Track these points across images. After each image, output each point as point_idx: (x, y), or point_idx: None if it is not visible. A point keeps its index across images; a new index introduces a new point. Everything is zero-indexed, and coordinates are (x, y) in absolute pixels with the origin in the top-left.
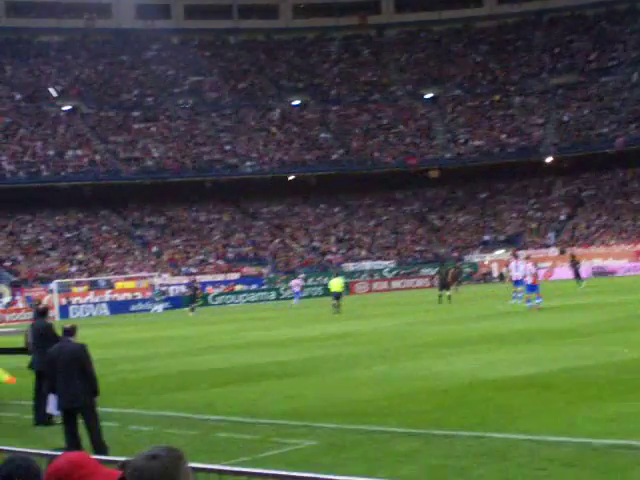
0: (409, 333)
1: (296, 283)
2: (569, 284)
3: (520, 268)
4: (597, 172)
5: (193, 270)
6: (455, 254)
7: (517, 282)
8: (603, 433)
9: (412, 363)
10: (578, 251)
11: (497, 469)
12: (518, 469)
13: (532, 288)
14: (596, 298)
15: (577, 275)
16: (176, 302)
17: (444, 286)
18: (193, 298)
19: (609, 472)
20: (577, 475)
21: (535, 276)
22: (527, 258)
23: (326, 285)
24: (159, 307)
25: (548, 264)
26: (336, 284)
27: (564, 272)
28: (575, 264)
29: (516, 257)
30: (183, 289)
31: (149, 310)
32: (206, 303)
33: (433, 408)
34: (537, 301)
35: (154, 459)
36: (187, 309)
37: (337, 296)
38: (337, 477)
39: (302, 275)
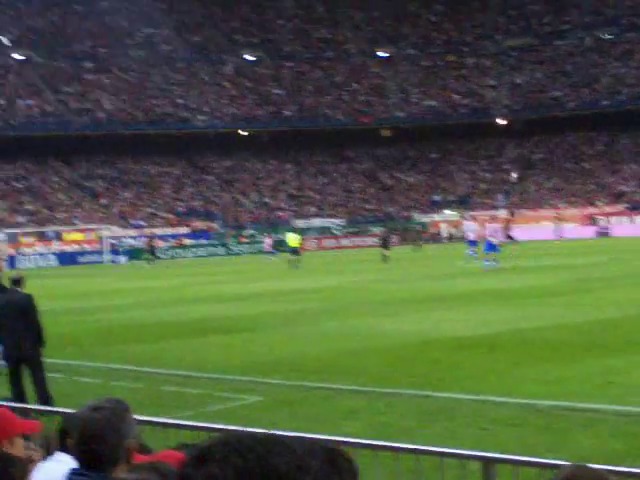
0: (358, 291)
1: (267, 242)
2: (520, 246)
3: (473, 228)
4: (548, 135)
5: (142, 223)
6: (405, 214)
7: (471, 242)
8: (547, 394)
9: (360, 321)
10: (529, 214)
11: (441, 428)
12: (462, 428)
13: (493, 248)
14: (547, 261)
15: (509, 237)
16: (126, 255)
17: (385, 245)
18: (152, 252)
19: (551, 433)
20: (520, 435)
21: (510, 237)
22: (492, 218)
23: (276, 241)
24: (123, 258)
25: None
26: (292, 239)
27: (516, 233)
28: (507, 228)
29: (470, 218)
30: (132, 242)
31: (101, 262)
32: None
33: (380, 366)
34: (492, 262)
35: (98, 411)
36: (145, 262)
37: (293, 251)
38: (280, 432)
39: (250, 232)
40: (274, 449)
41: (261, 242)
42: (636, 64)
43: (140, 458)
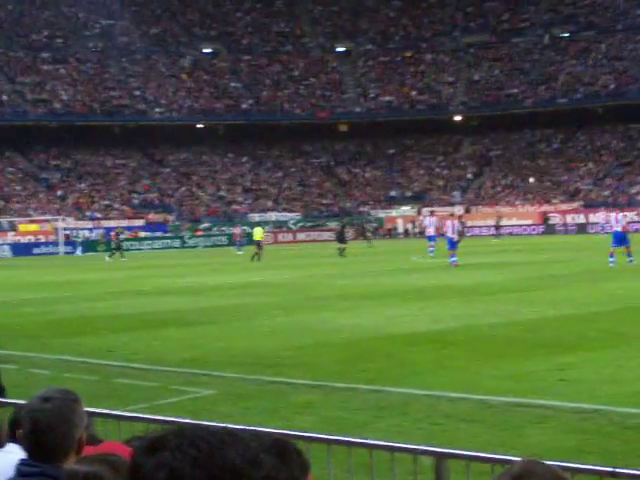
0: (313, 285)
1: (237, 234)
2: (477, 242)
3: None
4: (505, 132)
5: (98, 215)
6: (362, 209)
7: (430, 237)
8: (501, 391)
9: (315, 315)
10: (485, 210)
11: (395, 423)
12: (416, 424)
13: (454, 245)
14: (502, 257)
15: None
16: (81, 246)
17: (341, 240)
18: (118, 245)
19: (506, 429)
20: (474, 431)
21: (461, 233)
22: (452, 215)
23: (232, 234)
24: (78, 250)
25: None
26: (257, 233)
27: (473, 230)
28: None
29: (430, 214)
30: (87, 234)
31: (56, 253)
32: (109, 249)
33: (334, 361)
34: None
35: (48, 401)
36: (117, 255)
37: (257, 244)
38: (234, 426)
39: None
40: (228, 442)
41: (218, 235)
42: (592, 62)
43: (89, 450)
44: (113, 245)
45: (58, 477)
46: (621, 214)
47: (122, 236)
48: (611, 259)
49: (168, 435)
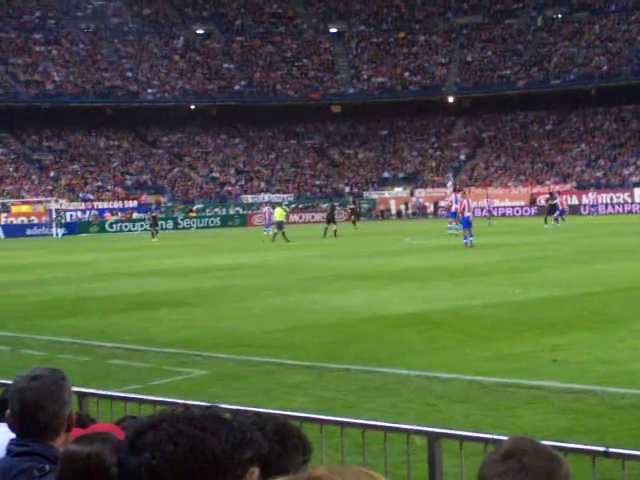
0: (305, 266)
1: (264, 212)
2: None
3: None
4: (498, 113)
5: (91, 196)
6: (355, 190)
7: (453, 214)
8: (492, 371)
9: (307, 296)
10: (477, 192)
11: (388, 404)
12: (408, 404)
13: (469, 224)
14: (494, 239)
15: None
16: (73, 228)
17: (330, 220)
18: (154, 223)
19: (497, 409)
20: (466, 411)
21: (472, 212)
22: (464, 194)
23: (224, 216)
24: (60, 231)
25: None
26: (279, 213)
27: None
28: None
29: (457, 191)
30: (80, 215)
31: (49, 235)
32: (103, 230)
33: (326, 342)
34: (470, 238)
35: (36, 380)
36: (150, 236)
37: (278, 225)
38: (227, 406)
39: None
40: (208, 428)
41: (211, 216)
42: (586, 44)
43: (77, 431)
44: (150, 223)
45: (49, 455)
46: None
47: (156, 214)
48: None
49: (147, 431)
